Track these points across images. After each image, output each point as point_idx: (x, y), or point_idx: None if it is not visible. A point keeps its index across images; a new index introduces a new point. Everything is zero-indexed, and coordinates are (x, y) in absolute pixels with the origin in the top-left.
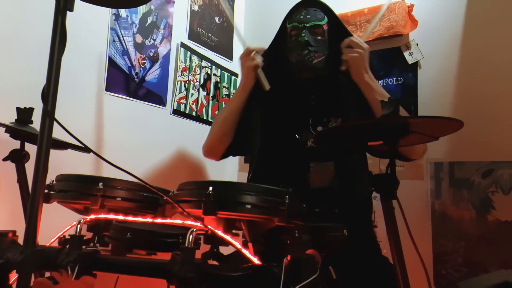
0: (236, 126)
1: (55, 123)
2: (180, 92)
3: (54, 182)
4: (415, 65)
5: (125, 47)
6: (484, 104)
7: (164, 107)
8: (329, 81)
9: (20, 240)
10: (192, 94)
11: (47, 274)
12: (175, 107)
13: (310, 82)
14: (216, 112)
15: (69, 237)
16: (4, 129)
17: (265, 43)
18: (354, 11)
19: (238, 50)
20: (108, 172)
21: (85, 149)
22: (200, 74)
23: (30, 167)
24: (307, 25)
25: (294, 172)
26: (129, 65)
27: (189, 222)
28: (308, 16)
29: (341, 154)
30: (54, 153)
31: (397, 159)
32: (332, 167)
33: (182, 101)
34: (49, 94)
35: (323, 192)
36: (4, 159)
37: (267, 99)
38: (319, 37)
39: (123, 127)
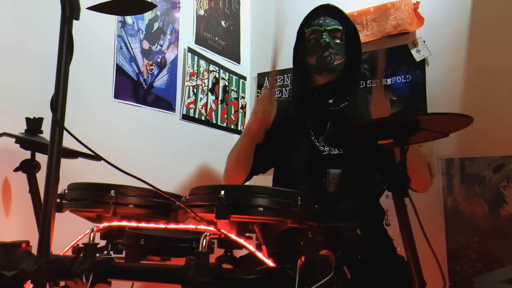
0: (252, 157)
1: (65, 132)
2: (188, 97)
3: (66, 191)
4: (423, 62)
5: (132, 54)
6: (493, 99)
7: (173, 113)
8: (346, 85)
9: (34, 250)
10: (201, 99)
11: (62, 283)
12: (184, 112)
13: (327, 86)
14: (225, 115)
15: (82, 245)
16: (14, 139)
17: (271, 45)
18: (360, 10)
19: (245, 53)
20: (119, 179)
21: (96, 157)
22: (208, 78)
23: (41, 177)
24: (328, 28)
25: (311, 178)
26: (137, 71)
27: (202, 227)
28: (327, 21)
29: (356, 159)
30: (64, 162)
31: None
32: (346, 172)
33: (191, 106)
34: (58, 103)
35: (339, 197)
36: (15, 170)
37: (286, 106)
38: (338, 41)
39: (133, 133)
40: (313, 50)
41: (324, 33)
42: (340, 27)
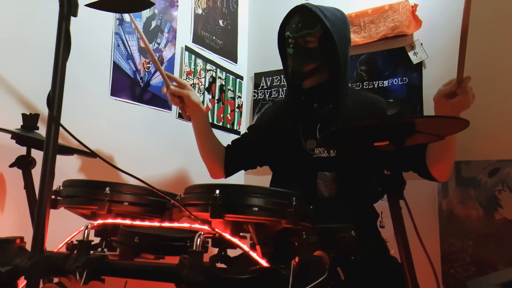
0: (215, 146)
1: (61, 128)
2: None
3: (61, 188)
4: (420, 64)
5: (129, 51)
6: (489, 103)
7: (169, 111)
8: (331, 87)
9: (28, 246)
10: None
11: (56, 279)
12: (180, 111)
13: (313, 89)
14: (221, 115)
15: (76, 242)
16: (10, 135)
17: (268, 45)
18: (358, 12)
19: (242, 52)
20: (114, 177)
21: (91, 154)
22: (205, 77)
23: (36, 173)
24: (296, 35)
25: (302, 182)
26: (134, 69)
27: (196, 226)
28: (300, 25)
29: (346, 163)
30: (60, 159)
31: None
32: (337, 176)
33: None
34: (55, 99)
35: (330, 202)
36: (11, 166)
37: (280, 107)
38: (311, 45)
39: (129, 131)
40: (288, 58)
41: (293, 41)
42: (312, 30)
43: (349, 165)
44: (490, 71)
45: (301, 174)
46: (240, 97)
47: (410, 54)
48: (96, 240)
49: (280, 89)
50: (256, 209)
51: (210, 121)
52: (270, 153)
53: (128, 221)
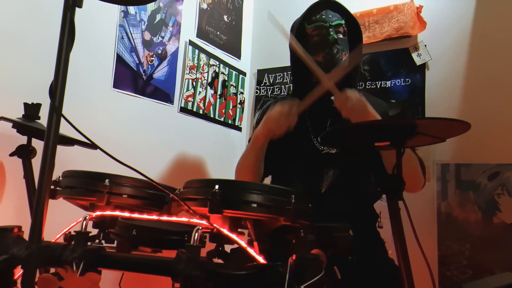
0: (262, 167)
1: (62, 119)
2: (187, 90)
3: (61, 178)
4: (423, 66)
5: (133, 44)
6: (491, 107)
7: (171, 105)
8: (347, 80)
9: (26, 236)
10: (200, 92)
11: (52, 270)
12: (182, 105)
13: None
14: (223, 110)
15: (74, 233)
16: (11, 124)
17: (272, 42)
18: (363, 12)
19: (246, 48)
20: (114, 169)
21: (92, 145)
22: (208, 72)
23: (36, 162)
24: (332, 23)
25: (308, 177)
26: (137, 62)
27: (194, 220)
28: (330, 16)
29: (354, 161)
30: (60, 149)
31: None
32: (343, 174)
33: (190, 99)
34: (57, 90)
35: (333, 197)
36: (11, 155)
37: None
38: (341, 36)
39: (130, 124)
40: (319, 47)
41: (331, 29)
42: (343, 22)
43: (356, 163)
44: (494, 75)
45: (308, 168)
46: (242, 93)
47: (414, 55)
48: (94, 231)
49: (283, 86)
50: (254, 205)
51: (212, 116)
52: (282, 151)
53: (126, 214)
